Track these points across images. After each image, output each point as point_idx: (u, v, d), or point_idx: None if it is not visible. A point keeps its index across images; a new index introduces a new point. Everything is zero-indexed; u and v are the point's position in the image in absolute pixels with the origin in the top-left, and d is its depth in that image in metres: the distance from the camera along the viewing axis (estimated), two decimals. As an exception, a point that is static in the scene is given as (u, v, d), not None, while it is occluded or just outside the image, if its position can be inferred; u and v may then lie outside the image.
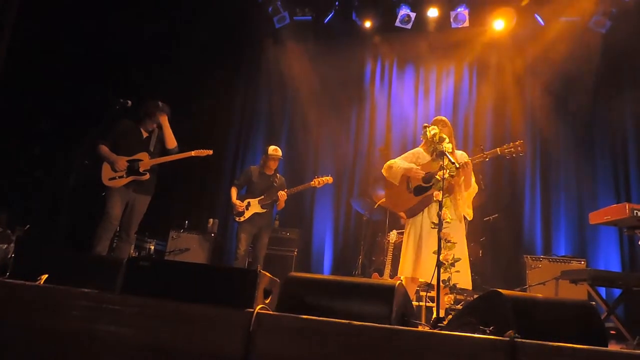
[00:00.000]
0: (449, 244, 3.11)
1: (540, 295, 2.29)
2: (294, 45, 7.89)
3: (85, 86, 6.76)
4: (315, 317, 1.94)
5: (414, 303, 4.94)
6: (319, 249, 7.44)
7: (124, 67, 6.98)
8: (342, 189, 7.59)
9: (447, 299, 3.28)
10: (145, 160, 4.61)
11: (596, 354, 1.70)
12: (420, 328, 2.27)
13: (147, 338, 2.04)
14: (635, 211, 3.65)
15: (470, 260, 5.81)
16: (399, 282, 2.24)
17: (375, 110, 7.95)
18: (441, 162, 3.21)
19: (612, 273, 4.06)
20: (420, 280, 3.82)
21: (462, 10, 7.35)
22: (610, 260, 6.54)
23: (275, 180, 5.62)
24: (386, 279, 5.25)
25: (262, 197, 5.49)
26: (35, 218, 5.65)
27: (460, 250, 3.57)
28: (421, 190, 3.93)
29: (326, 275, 6.71)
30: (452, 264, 3.07)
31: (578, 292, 4.89)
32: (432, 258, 3.65)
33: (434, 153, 3.32)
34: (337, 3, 7.79)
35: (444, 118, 4.04)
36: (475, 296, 3.75)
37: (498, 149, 3.78)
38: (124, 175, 4.53)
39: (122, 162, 4.53)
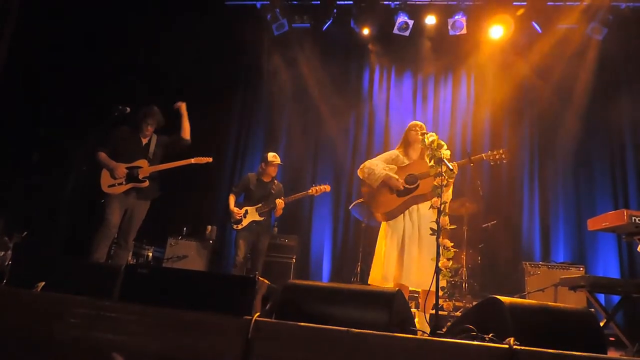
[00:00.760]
0: (447, 251, 3.10)
1: (539, 302, 2.28)
2: (293, 52, 7.92)
3: (84, 92, 6.76)
4: (314, 324, 1.93)
5: (413, 310, 4.93)
6: (318, 255, 7.43)
7: (123, 73, 6.99)
8: (341, 196, 7.59)
9: (445, 306, 3.27)
10: (145, 167, 4.61)
11: (595, 361, 1.69)
12: (419, 335, 2.26)
13: (145, 346, 2.02)
14: (633, 218, 3.65)
15: (468, 267, 5.87)
16: (397, 289, 2.24)
17: (373, 117, 7.97)
18: (439, 169, 3.21)
19: (611, 280, 4.05)
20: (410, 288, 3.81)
21: (460, 18, 7.38)
22: (609, 266, 6.53)
23: (273, 187, 5.62)
24: (385, 286, 5.23)
25: (260, 204, 5.48)
26: (33, 225, 5.63)
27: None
28: (404, 191, 3.92)
29: (325, 282, 6.70)
30: (452, 271, 3.06)
31: (577, 299, 4.88)
32: (416, 264, 3.66)
33: (432, 159, 3.32)
34: (335, 11, 7.83)
35: (421, 123, 4.10)
36: (474, 303, 3.74)
37: (483, 154, 3.91)
38: (123, 182, 4.53)
39: (121, 169, 4.53)
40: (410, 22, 7.56)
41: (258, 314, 1.99)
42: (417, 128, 4.03)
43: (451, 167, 3.20)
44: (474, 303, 3.50)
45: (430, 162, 3.33)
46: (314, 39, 7.89)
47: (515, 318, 1.93)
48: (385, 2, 7.70)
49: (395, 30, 7.61)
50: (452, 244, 3.19)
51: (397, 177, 3.97)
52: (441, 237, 3.11)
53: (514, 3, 7.34)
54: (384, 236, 3.95)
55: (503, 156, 3.85)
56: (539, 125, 7.33)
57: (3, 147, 6.27)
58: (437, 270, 2.95)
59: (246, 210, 5.47)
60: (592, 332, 1.99)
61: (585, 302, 4.75)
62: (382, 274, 3.82)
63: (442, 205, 3.07)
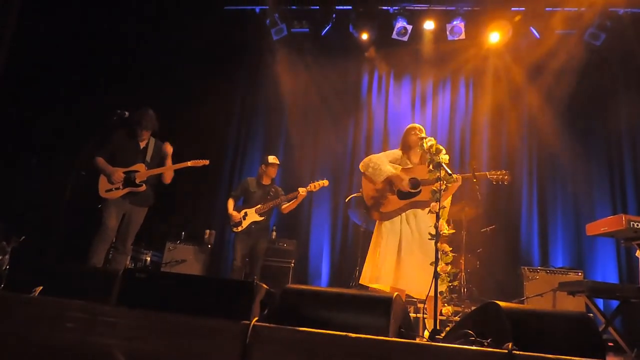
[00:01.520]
0: (445, 256, 3.10)
1: (537, 307, 2.28)
2: (292, 57, 7.93)
3: (83, 96, 6.77)
4: (312, 329, 1.93)
5: (411, 315, 4.93)
6: (316, 260, 7.42)
7: (122, 77, 7.00)
8: (339, 201, 7.59)
9: (444, 311, 3.26)
10: (142, 172, 4.60)
11: (594, 366, 1.69)
12: (417, 340, 2.25)
13: (143, 350, 2.02)
14: (631, 223, 3.66)
15: (467, 271, 5.86)
16: (396, 294, 2.24)
17: (372, 121, 7.98)
18: (438, 174, 3.21)
19: (609, 285, 4.06)
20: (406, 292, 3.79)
21: (458, 23, 7.41)
22: (607, 271, 6.54)
23: (272, 190, 5.63)
24: (383, 291, 5.22)
25: (259, 205, 5.49)
26: (31, 229, 5.62)
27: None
28: (407, 195, 3.90)
29: (323, 286, 6.68)
30: (450, 276, 3.06)
31: (576, 304, 4.88)
32: (414, 268, 3.64)
33: (431, 164, 3.32)
34: (334, 15, 7.86)
35: (419, 125, 4.08)
36: (473, 308, 3.73)
37: (487, 173, 3.93)
38: (120, 187, 4.53)
39: (118, 173, 4.52)
40: (409, 27, 7.59)
41: (256, 318, 1.99)
42: (417, 131, 4.00)
43: (450, 172, 3.20)
44: (473, 308, 3.50)
45: (429, 166, 3.33)
46: (313, 44, 7.92)
47: (514, 323, 1.93)
48: (384, 8, 7.73)
49: (394, 35, 7.64)
50: (451, 248, 3.19)
51: (404, 176, 3.92)
52: (440, 242, 3.11)
53: (512, 9, 7.37)
54: (379, 236, 3.90)
55: (505, 177, 3.88)
56: (537, 130, 7.34)
57: (1, 151, 6.27)
58: (436, 275, 2.95)
59: (245, 213, 5.47)
60: (590, 337, 1.99)
61: (584, 307, 4.75)
62: (375, 275, 3.78)
63: (440, 210, 3.07)
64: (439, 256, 2.99)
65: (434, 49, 7.70)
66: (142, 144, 4.74)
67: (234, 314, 2.02)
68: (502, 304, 2.04)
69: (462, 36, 7.47)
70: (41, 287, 2.36)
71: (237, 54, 8.00)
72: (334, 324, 1.98)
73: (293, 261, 6.48)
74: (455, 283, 5.53)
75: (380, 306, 2.08)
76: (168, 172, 4.72)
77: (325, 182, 5.56)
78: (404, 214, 3.86)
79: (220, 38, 7.69)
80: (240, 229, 5.43)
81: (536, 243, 6.94)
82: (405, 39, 7.64)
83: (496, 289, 6.04)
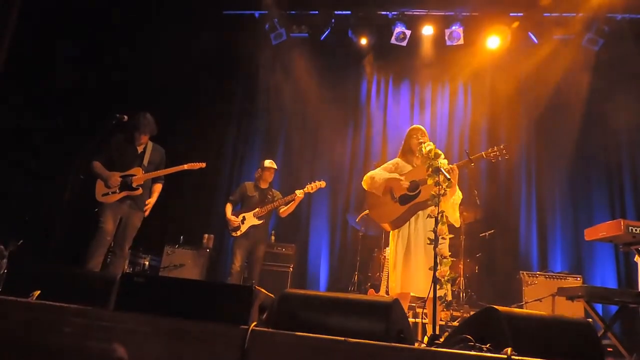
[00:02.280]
0: (445, 260, 3.09)
1: (536, 312, 2.28)
2: (291, 61, 7.95)
3: (82, 100, 6.76)
4: (310, 334, 1.92)
5: (410, 320, 4.91)
6: (315, 264, 7.41)
7: (122, 81, 7.00)
8: (338, 205, 7.59)
9: (443, 316, 3.25)
10: (139, 175, 4.60)
11: (593, 371, 1.69)
12: (416, 345, 2.25)
13: (141, 355, 2.01)
14: (630, 228, 3.65)
15: (466, 276, 5.86)
16: (395, 298, 2.23)
17: (371, 126, 8.00)
18: (437, 178, 3.21)
19: (608, 290, 4.05)
20: (411, 294, 3.77)
21: (457, 28, 7.44)
22: (606, 276, 6.54)
23: (270, 193, 5.63)
24: (382, 295, 5.22)
25: (258, 209, 5.48)
26: (28, 233, 5.60)
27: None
28: (407, 199, 3.89)
29: (322, 291, 6.67)
30: (449, 281, 3.05)
31: (575, 309, 4.88)
32: (422, 271, 3.63)
33: (430, 169, 3.32)
34: (333, 20, 7.88)
35: (421, 127, 4.07)
36: (472, 313, 3.73)
37: (483, 153, 3.84)
38: (117, 191, 4.52)
39: (115, 178, 4.52)
40: (408, 32, 7.61)
41: (255, 323, 1.98)
42: (419, 135, 3.98)
43: (449, 177, 3.20)
44: (472, 313, 3.49)
45: (428, 170, 3.33)
46: (312, 49, 7.93)
47: (513, 328, 1.92)
48: (382, 13, 7.76)
49: (393, 40, 7.67)
50: (450, 253, 3.19)
51: (398, 175, 3.92)
52: (439, 246, 3.10)
53: (511, 14, 7.40)
54: (392, 245, 3.92)
55: (504, 151, 3.78)
56: (535, 135, 7.36)
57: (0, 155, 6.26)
58: (435, 280, 2.95)
59: (243, 217, 5.46)
60: (589, 342, 1.99)
61: (583, 312, 4.74)
62: (394, 283, 3.79)
63: (440, 215, 3.07)
64: (439, 261, 3.00)
65: (432, 54, 7.72)
66: (140, 149, 4.74)
67: (233, 318, 2.01)
68: (501, 308, 2.04)
69: (461, 41, 7.50)
70: (39, 292, 2.35)
71: (236, 58, 8.01)
72: (333, 329, 1.97)
73: (292, 266, 6.47)
74: (455, 288, 5.55)
75: (379, 311, 2.07)
76: (151, 200, 4.72)
77: (323, 184, 5.55)
78: (412, 219, 3.85)
79: (219, 42, 7.70)
80: (238, 233, 5.43)
81: (535, 248, 6.94)
82: (404, 44, 7.67)
83: (495, 294, 6.04)
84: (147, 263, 6.51)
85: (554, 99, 7.15)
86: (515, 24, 7.35)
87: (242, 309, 2.06)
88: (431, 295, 2.93)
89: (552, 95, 7.18)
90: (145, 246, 6.43)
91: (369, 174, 4.10)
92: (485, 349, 1.85)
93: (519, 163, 7.32)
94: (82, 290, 2.36)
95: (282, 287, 5.99)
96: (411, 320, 5.10)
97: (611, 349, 4.17)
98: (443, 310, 3.24)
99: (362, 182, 4.12)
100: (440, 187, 3.14)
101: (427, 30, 7.60)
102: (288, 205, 5.53)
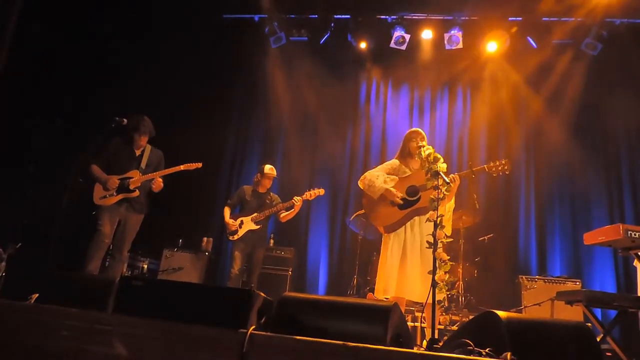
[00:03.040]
0: (444, 264, 3.09)
1: (535, 316, 2.28)
2: (290, 65, 7.97)
3: (81, 104, 6.77)
4: (309, 337, 1.92)
5: (409, 324, 4.91)
6: (314, 268, 7.40)
7: (121, 85, 7.00)
8: (337, 209, 7.59)
9: (442, 320, 3.25)
10: (136, 177, 4.61)
11: (593, 376, 1.68)
12: (415, 349, 2.25)
13: (140, 359, 2.00)
14: (629, 232, 3.65)
15: (465, 280, 5.85)
16: (394, 302, 2.23)
17: (370, 130, 8.00)
18: (436, 182, 3.21)
19: (607, 294, 4.04)
20: (406, 299, 3.76)
21: (456, 33, 7.46)
22: (605, 281, 6.54)
23: (269, 198, 5.62)
24: (381, 299, 5.21)
25: (256, 214, 5.48)
26: (27, 236, 5.59)
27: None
28: (406, 204, 3.89)
29: (321, 295, 6.66)
30: (448, 285, 3.05)
31: (574, 313, 4.87)
32: (418, 276, 3.63)
33: (429, 173, 3.32)
34: (332, 24, 7.90)
35: (421, 131, 4.07)
36: (471, 317, 3.72)
37: (485, 166, 3.88)
38: (114, 194, 4.53)
39: (112, 181, 4.53)
40: (407, 37, 7.63)
41: (253, 327, 1.98)
42: (419, 139, 3.98)
43: (448, 181, 3.20)
44: (471, 317, 3.49)
45: (427, 175, 3.33)
46: (312, 52, 7.94)
47: (512, 332, 1.92)
48: (382, 17, 7.78)
49: (392, 44, 7.69)
50: (449, 257, 3.18)
51: (396, 191, 3.91)
52: (438, 250, 3.10)
53: (510, 18, 7.43)
54: (385, 248, 3.89)
55: (505, 167, 3.82)
56: (534, 139, 7.37)
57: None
58: (434, 284, 2.94)
59: (241, 221, 5.46)
60: (589, 347, 1.98)
61: (582, 316, 4.74)
62: (383, 287, 3.77)
63: (439, 218, 3.07)
64: (438, 265, 2.99)
65: (431, 58, 7.74)
66: (138, 152, 4.75)
67: (231, 322, 2.01)
68: (500, 313, 2.04)
69: (460, 45, 7.52)
70: (37, 295, 2.35)
71: (235, 61, 8.03)
72: (332, 333, 1.97)
73: (291, 269, 6.46)
74: (454, 292, 5.54)
75: (378, 315, 2.07)
76: (158, 181, 4.68)
77: (321, 191, 5.55)
78: (408, 223, 3.84)
79: (219, 46, 7.72)
80: (236, 237, 5.42)
81: (534, 252, 6.94)
82: (403, 48, 7.69)
83: (494, 298, 6.02)
84: (145, 266, 6.50)
85: (553, 103, 7.17)
86: (514, 29, 7.38)
87: (241, 312, 2.06)
88: (429, 299, 2.93)
89: (550, 100, 7.19)
90: (144, 249, 6.43)
91: (367, 175, 4.09)
92: (484, 353, 1.85)
93: (518, 167, 7.32)
94: (81, 293, 2.35)
95: (281, 290, 5.98)
96: (410, 324, 5.10)
97: (610, 354, 4.16)
98: (442, 315, 3.22)
99: (359, 181, 4.10)
100: (440, 190, 3.14)
101: (426, 35, 7.63)
102: (289, 212, 5.52)
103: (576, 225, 6.83)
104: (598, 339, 3.17)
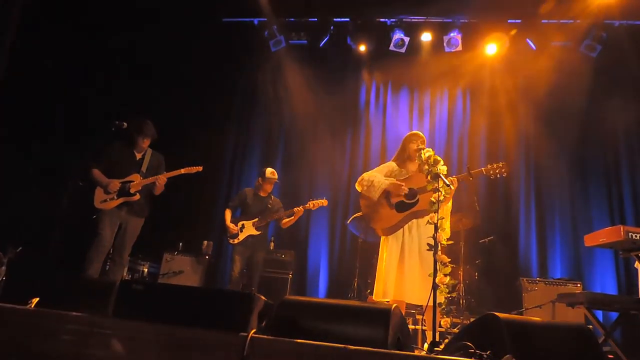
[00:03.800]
0: (444, 267, 3.08)
1: (536, 318, 2.27)
2: (290, 68, 7.97)
3: (81, 107, 6.77)
4: (310, 341, 1.92)
5: (410, 327, 4.90)
6: (315, 271, 7.39)
7: (121, 88, 7.01)
8: (337, 212, 7.58)
9: (443, 323, 3.24)
10: (137, 181, 4.61)
11: (594, 378, 1.68)
12: (416, 352, 2.24)
13: (139, 363, 2.00)
14: (630, 234, 3.65)
15: (465, 283, 5.84)
16: (394, 305, 2.22)
17: (370, 132, 8.00)
18: (436, 185, 3.20)
19: (608, 296, 4.04)
20: (406, 302, 3.75)
21: (455, 35, 7.47)
22: (606, 282, 6.53)
23: (270, 202, 5.62)
24: (382, 302, 5.20)
25: (257, 219, 5.47)
26: (28, 240, 5.59)
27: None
28: (404, 207, 3.87)
29: (321, 298, 6.65)
30: (449, 287, 3.04)
31: (575, 315, 4.86)
32: (417, 279, 3.61)
33: (429, 175, 3.32)
34: (332, 27, 7.92)
35: (421, 134, 4.07)
36: (472, 319, 3.72)
37: (483, 169, 3.86)
38: (115, 197, 4.52)
39: (113, 184, 4.52)
40: (406, 39, 7.65)
41: (254, 330, 1.98)
42: (419, 141, 3.97)
43: (448, 183, 3.19)
44: (472, 320, 3.48)
45: (427, 177, 3.33)
46: (311, 55, 7.96)
47: (513, 335, 1.92)
48: (381, 20, 7.80)
49: (392, 47, 7.70)
50: (450, 259, 3.18)
51: (399, 182, 3.91)
52: (438, 253, 3.09)
53: (509, 21, 7.44)
54: (383, 251, 3.88)
55: (503, 170, 3.80)
56: (534, 141, 7.37)
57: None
58: (435, 287, 2.93)
59: (242, 225, 5.45)
60: (590, 349, 1.98)
61: (583, 318, 4.72)
62: (382, 290, 3.76)
63: (439, 221, 3.06)
64: (438, 267, 2.98)
65: (431, 61, 7.75)
66: (139, 155, 4.75)
67: (232, 325, 2.01)
68: (501, 315, 2.03)
69: (459, 48, 7.54)
70: (37, 299, 2.35)
71: (235, 65, 8.05)
72: (333, 336, 1.97)
73: (291, 272, 6.45)
74: (454, 294, 5.53)
75: (379, 318, 2.06)
76: (160, 182, 4.68)
77: (325, 202, 5.57)
78: (406, 226, 3.83)
79: (218, 50, 7.73)
80: (236, 241, 5.42)
81: (535, 254, 6.93)
82: (403, 50, 7.70)
83: (495, 301, 6.02)
84: (146, 270, 6.49)
85: (552, 105, 7.17)
86: (514, 31, 7.38)
87: (241, 315, 2.06)
88: (430, 302, 2.92)
89: (550, 102, 7.19)
90: (144, 253, 6.41)
91: (365, 176, 4.05)
92: (485, 355, 1.85)
93: (518, 169, 7.32)
94: (81, 297, 2.35)
95: (281, 293, 5.97)
96: (411, 327, 5.09)
97: (612, 356, 4.16)
98: (443, 317, 3.21)
99: (357, 184, 4.07)
100: (440, 193, 3.14)
101: (426, 37, 7.64)
102: (290, 219, 5.53)
103: (577, 226, 6.82)
104: (599, 341, 3.16)
